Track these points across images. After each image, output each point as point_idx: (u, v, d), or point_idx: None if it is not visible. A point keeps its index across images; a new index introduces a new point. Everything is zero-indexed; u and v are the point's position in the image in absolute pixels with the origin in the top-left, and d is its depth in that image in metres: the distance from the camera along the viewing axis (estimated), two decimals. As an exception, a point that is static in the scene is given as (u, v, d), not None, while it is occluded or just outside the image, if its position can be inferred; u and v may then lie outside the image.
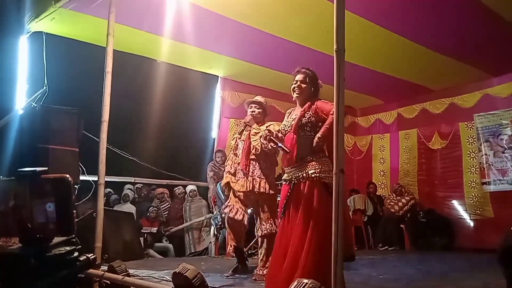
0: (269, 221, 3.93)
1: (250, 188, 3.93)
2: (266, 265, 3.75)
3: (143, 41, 5.65)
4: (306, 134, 3.04)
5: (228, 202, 4.16)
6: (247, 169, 3.97)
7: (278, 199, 3.69)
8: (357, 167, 9.06)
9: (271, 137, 3.17)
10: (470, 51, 6.00)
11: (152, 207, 7.01)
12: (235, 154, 4.23)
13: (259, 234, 3.98)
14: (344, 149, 2.76)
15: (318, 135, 2.95)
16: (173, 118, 7.98)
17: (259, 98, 4.26)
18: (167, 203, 7.25)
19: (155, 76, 6.60)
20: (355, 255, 2.95)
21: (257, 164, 3.98)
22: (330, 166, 2.94)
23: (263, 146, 3.77)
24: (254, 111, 4.13)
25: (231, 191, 4.16)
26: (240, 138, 4.16)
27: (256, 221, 4.07)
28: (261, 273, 3.82)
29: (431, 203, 7.69)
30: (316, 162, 2.97)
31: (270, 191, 3.98)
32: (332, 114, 2.84)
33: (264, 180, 3.96)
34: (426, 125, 8.08)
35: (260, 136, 3.79)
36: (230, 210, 4.07)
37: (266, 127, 3.92)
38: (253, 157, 3.99)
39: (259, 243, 4.05)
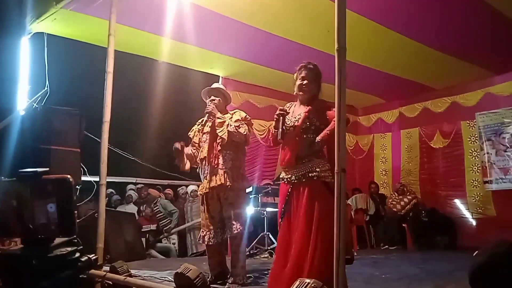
0: (239, 220, 3.61)
1: (222, 182, 3.58)
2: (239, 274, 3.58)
3: (144, 41, 5.64)
4: (308, 136, 3.00)
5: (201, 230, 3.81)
6: (216, 162, 3.64)
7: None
8: (359, 166, 9.04)
9: (282, 116, 3.01)
10: (472, 49, 5.98)
11: (144, 206, 7.02)
12: (197, 147, 3.87)
13: (227, 236, 3.61)
14: (346, 148, 2.75)
15: (318, 138, 2.94)
16: (175, 118, 7.98)
17: (216, 85, 4.04)
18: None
19: (156, 76, 6.60)
20: (353, 258, 2.93)
21: (226, 155, 3.64)
22: (328, 166, 2.94)
23: (231, 135, 3.55)
24: (215, 100, 3.80)
25: (201, 206, 3.82)
26: (203, 131, 3.84)
27: (227, 220, 3.66)
28: (233, 279, 3.56)
29: (433, 202, 7.67)
30: (316, 162, 2.96)
31: (241, 184, 3.70)
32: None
33: (237, 174, 3.66)
34: (428, 124, 8.06)
35: (227, 125, 3.58)
36: (203, 237, 3.71)
37: (232, 114, 3.75)
38: (220, 148, 3.65)
39: (231, 246, 3.71)
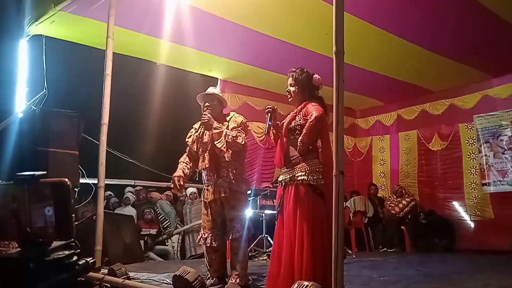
0: (241, 223, 3.63)
1: (226, 194, 3.61)
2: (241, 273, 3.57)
3: (142, 43, 5.65)
4: (296, 137, 3.05)
5: (201, 230, 3.80)
6: (218, 173, 3.64)
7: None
8: (358, 168, 9.06)
9: (272, 112, 3.13)
10: (469, 52, 6.00)
11: (146, 209, 7.00)
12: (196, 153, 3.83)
13: (229, 238, 3.61)
14: (344, 150, 2.77)
15: (299, 139, 2.98)
16: (173, 120, 7.97)
17: (211, 90, 3.93)
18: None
19: (154, 78, 6.60)
20: (345, 256, 2.98)
21: (228, 165, 3.65)
22: (319, 168, 2.98)
23: (230, 146, 3.55)
24: (210, 106, 3.72)
25: (204, 209, 3.80)
26: (202, 140, 3.77)
27: (229, 222, 3.66)
28: (233, 281, 3.55)
29: (432, 205, 7.68)
30: (304, 164, 3.00)
31: (243, 187, 3.72)
32: (310, 118, 2.91)
33: (238, 179, 3.67)
34: (426, 126, 8.08)
35: (225, 135, 3.57)
36: (205, 239, 3.69)
37: (228, 120, 3.72)
38: (220, 159, 3.64)
39: (231, 248, 3.67)
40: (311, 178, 2.94)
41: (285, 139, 3.11)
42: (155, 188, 7.74)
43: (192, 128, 3.95)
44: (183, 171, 3.79)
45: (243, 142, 3.62)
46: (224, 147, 3.58)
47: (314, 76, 3.19)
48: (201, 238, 3.77)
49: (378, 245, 7.59)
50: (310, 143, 3.01)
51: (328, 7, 3.12)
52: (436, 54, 6.02)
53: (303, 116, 3.05)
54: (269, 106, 3.19)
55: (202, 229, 3.81)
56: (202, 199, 3.86)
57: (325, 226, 2.77)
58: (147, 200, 7.43)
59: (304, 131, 2.96)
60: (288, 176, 3.04)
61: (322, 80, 3.19)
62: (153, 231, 6.91)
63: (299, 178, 2.96)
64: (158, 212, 7.09)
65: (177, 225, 7.08)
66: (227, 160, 3.64)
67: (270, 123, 3.12)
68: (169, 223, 7.05)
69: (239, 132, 3.63)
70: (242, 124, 3.72)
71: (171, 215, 7.09)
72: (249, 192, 5.37)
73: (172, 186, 3.78)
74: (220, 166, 3.66)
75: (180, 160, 3.89)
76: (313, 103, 3.06)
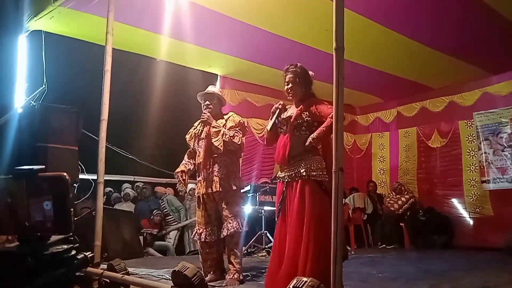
0: (235, 219, 3.68)
1: (217, 189, 3.67)
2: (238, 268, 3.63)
3: (142, 39, 5.63)
4: (301, 133, 3.04)
5: (196, 226, 3.89)
6: (212, 169, 3.72)
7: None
8: (357, 165, 9.06)
9: (277, 111, 3.11)
10: (470, 49, 6.00)
11: (156, 211, 7.00)
12: (192, 153, 3.96)
13: (224, 234, 3.67)
14: (344, 147, 2.77)
15: (313, 135, 2.96)
16: (172, 116, 7.97)
17: (211, 89, 3.98)
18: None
19: (154, 74, 6.58)
20: (348, 255, 2.96)
21: (221, 162, 3.73)
22: (323, 164, 2.96)
23: (226, 145, 3.63)
24: (210, 105, 3.83)
25: (198, 204, 3.89)
26: (199, 136, 3.86)
27: (224, 219, 3.72)
28: (231, 276, 3.61)
29: (431, 202, 7.69)
30: (308, 160, 2.98)
31: (234, 187, 3.76)
32: (331, 118, 2.86)
33: (231, 176, 3.74)
34: (426, 123, 8.08)
35: (223, 134, 3.64)
36: (200, 234, 3.76)
37: (226, 120, 3.79)
38: (215, 156, 3.74)
39: (227, 244, 3.73)
40: (317, 174, 2.93)
41: (289, 135, 3.06)
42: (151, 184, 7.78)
43: (193, 126, 4.02)
44: (185, 166, 3.90)
45: (239, 142, 3.69)
46: (221, 146, 3.66)
47: (309, 72, 3.19)
48: (196, 233, 3.82)
49: (377, 241, 7.61)
50: (322, 140, 3.00)
51: (328, 3, 3.10)
52: (436, 51, 6.01)
53: (311, 113, 3.03)
54: (281, 103, 3.17)
55: (197, 225, 3.88)
56: (196, 194, 3.94)
57: (330, 224, 2.76)
58: (148, 196, 7.44)
59: (322, 128, 2.93)
60: (292, 173, 3.01)
61: (317, 76, 3.20)
62: (154, 231, 6.93)
63: (305, 174, 2.94)
64: (163, 206, 7.13)
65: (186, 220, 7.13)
66: (222, 158, 3.72)
67: (276, 120, 3.09)
68: (173, 219, 7.08)
69: (237, 132, 3.70)
70: (240, 124, 3.78)
71: (182, 210, 7.15)
72: (245, 189, 5.40)
73: (178, 181, 3.88)
74: (214, 163, 3.74)
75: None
76: (324, 102, 3.06)
